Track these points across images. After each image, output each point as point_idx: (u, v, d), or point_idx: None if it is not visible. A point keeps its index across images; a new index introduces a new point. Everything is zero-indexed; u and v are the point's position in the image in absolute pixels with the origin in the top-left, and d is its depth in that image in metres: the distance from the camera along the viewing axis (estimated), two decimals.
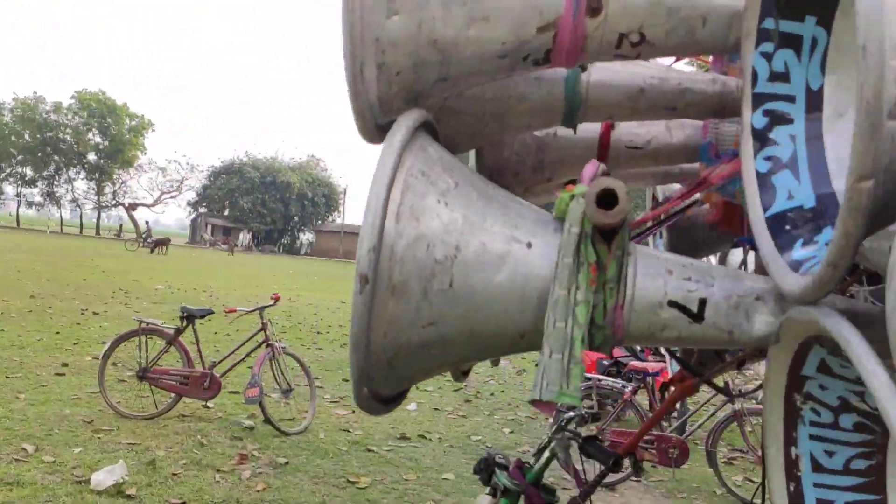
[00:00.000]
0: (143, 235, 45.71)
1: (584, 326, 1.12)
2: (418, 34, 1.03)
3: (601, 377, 6.08)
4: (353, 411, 6.97)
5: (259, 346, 6.17)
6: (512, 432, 6.87)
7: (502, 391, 8.87)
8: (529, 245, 1.13)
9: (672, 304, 1.15)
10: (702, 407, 6.91)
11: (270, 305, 6.33)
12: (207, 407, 6.35)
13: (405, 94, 1.14)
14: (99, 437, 5.22)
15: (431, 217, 1.06)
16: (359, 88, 1.08)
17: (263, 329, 6.08)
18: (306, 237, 76.72)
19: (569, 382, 1.12)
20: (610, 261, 1.13)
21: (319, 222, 73.30)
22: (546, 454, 2.57)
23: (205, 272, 25.91)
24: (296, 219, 71.03)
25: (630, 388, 5.82)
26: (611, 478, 4.64)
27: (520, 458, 2.92)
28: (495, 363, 8.49)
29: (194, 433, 5.59)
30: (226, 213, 69.05)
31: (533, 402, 1.19)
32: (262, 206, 66.60)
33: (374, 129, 1.21)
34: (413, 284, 1.04)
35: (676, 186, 2.40)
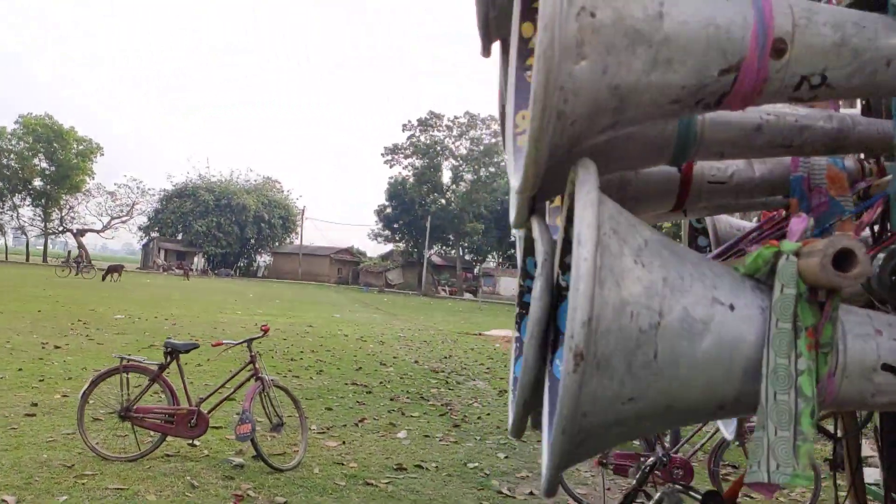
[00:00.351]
0: (77, 260, 44.61)
1: (813, 399, 1.04)
2: (601, 80, 0.96)
3: None
4: (344, 442, 6.77)
5: (247, 379, 5.95)
6: (507, 457, 6.76)
7: (488, 414, 8.75)
8: (732, 307, 1.05)
9: (886, 367, 1.09)
10: (701, 428, 6.94)
11: (259, 337, 6.09)
12: (193, 445, 6.08)
13: (570, 143, 1.06)
14: (83, 483, 4.93)
15: (632, 280, 0.97)
16: (542, 139, 0.99)
17: (252, 362, 5.85)
18: (263, 259, 75.73)
19: (798, 462, 1.04)
20: (825, 324, 1.06)
21: (277, 244, 72.39)
22: None
23: (164, 299, 25.19)
24: (252, 241, 70.01)
25: None
26: None
27: None
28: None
29: (183, 474, 5.33)
30: (179, 237, 67.69)
31: (753, 485, 1.08)
32: (218, 230, 65.50)
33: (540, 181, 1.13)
34: (617, 357, 0.95)
35: (725, 217, 2.36)
